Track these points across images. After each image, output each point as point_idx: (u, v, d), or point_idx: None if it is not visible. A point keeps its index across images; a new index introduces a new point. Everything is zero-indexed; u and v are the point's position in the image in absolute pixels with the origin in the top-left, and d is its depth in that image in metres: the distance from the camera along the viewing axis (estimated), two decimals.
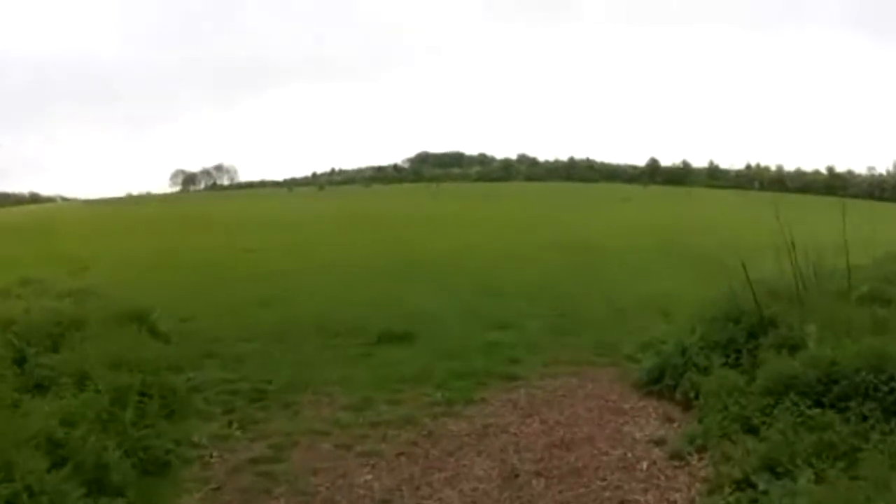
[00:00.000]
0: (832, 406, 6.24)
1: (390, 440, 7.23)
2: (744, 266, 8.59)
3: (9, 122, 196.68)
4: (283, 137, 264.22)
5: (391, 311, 13.14)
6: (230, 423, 7.69)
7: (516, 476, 6.38)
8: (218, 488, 6.25)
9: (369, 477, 6.46)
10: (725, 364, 7.95)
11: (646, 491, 6.03)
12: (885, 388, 6.13)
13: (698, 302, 12.54)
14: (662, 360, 8.71)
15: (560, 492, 6.08)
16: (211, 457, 6.88)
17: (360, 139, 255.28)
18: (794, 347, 7.44)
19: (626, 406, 8.13)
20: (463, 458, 6.81)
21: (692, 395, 7.81)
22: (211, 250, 25.18)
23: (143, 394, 7.31)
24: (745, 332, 8.29)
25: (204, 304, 14.19)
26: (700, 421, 7.16)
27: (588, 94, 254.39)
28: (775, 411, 6.47)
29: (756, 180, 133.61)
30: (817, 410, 6.21)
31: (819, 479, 5.34)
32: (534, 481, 6.28)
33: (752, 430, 6.50)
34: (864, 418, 5.98)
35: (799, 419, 6.16)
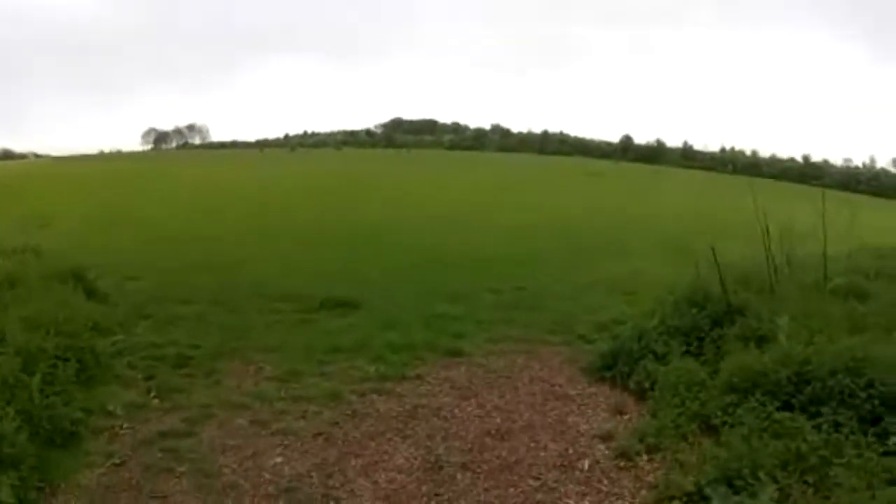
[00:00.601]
0: (803, 410, 5.50)
1: (310, 418, 6.51)
2: (713, 249, 7.81)
3: None
4: (257, 99, 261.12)
5: (340, 278, 12.44)
6: (149, 391, 7.09)
7: (440, 468, 5.64)
8: (121, 463, 5.65)
9: (279, 459, 5.76)
10: (687, 353, 7.26)
11: (583, 496, 5.29)
12: (863, 395, 5.38)
13: (664, 284, 12.11)
14: (618, 344, 8.01)
15: (486, 489, 5.35)
16: (121, 428, 6.27)
17: (334, 103, 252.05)
18: (762, 339, 6.75)
19: (573, 392, 7.39)
20: (385, 443, 6.08)
21: (647, 385, 7.08)
22: (170, 212, 24.37)
23: (59, 357, 6.68)
24: (709, 320, 7.56)
25: (152, 265, 13.55)
26: (653, 415, 6.43)
27: (564, 68, 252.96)
28: (738, 411, 5.74)
29: (730, 163, 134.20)
30: (786, 414, 5.47)
31: (783, 495, 4.65)
32: (459, 475, 5.54)
33: (710, 431, 5.84)
34: (838, 427, 5.23)
35: (765, 423, 5.43)
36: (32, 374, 6.06)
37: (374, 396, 7.00)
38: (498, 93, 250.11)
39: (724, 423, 5.75)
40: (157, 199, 29.13)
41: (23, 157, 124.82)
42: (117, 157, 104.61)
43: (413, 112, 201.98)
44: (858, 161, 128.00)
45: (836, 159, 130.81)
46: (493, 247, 17.08)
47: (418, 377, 7.56)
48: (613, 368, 7.72)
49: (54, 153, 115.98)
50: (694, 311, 7.77)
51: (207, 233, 19.01)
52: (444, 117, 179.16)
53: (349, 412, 6.66)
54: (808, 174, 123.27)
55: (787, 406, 5.59)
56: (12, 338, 6.58)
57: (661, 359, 7.34)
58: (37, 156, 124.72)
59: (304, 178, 44.75)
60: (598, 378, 7.71)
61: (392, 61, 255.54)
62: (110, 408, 6.57)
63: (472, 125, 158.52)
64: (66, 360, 6.71)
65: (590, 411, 6.91)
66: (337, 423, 6.42)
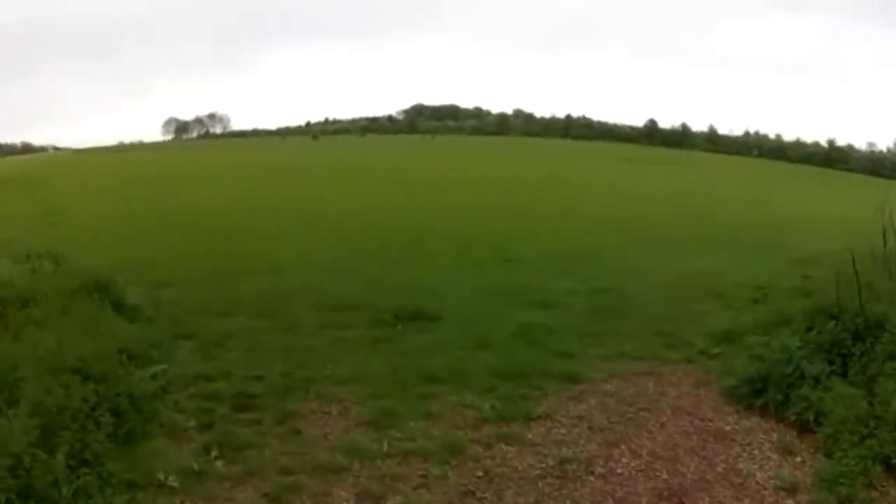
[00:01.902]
0: None
1: (434, 485, 5.05)
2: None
3: (0, 71, 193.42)
4: (278, 87, 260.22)
5: (400, 282, 11.22)
6: (208, 449, 5.44)
7: None
8: None
9: None
10: (832, 374, 6.32)
11: None
12: None
13: (753, 284, 11.04)
14: (765, 367, 6.78)
15: None
16: None
17: (355, 90, 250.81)
18: None
19: (728, 428, 6.20)
20: None
21: (810, 417, 5.96)
22: (196, 205, 23.14)
23: (88, 415, 5.09)
24: (849, 334, 6.64)
25: (183, 268, 12.41)
26: (828, 456, 5.39)
27: (586, 52, 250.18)
28: None
29: (755, 148, 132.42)
30: None
31: None
32: None
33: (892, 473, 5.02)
34: None
35: None
36: (54, 449, 4.57)
37: (503, 447, 5.64)
38: (519, 77, 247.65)
39: None
40: (180, 193, 27.70)
41: (42, 150, 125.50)
42: (139, 147, 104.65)
43: (435, 97, 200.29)
44: (882, 145, 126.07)
45: (861, 143, 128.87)
46: (557, 240, 15.86)
47: (547, 416, 6.24)
48: (764, 395, 6.54)
49: (74, 146, 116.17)
50: (832, 324, 6.79)
51: (238, 228, 17.82)
52: (466, 102, 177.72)
53: (480, 473, 5.25)
54: (835, 158, 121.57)
55: None
56: (27, 392, 5.08)
57: (815, 383, 6.23)
58: (56, 149, 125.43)
59: (331, 166, 43.59)
60: (747, 407, 6.54)
61: (412, 46, 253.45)
62: (161, 476, 4.99)
63: (494, 110, 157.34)
64: (98, 410, 5.23)
65: (756, 453, 5.72)
66: (472, 493, 5.00)
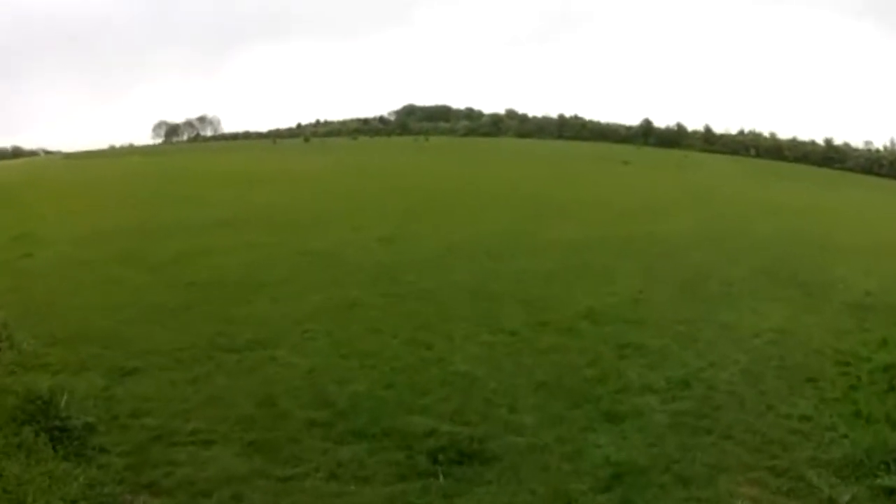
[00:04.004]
0: None
1: None
2: None
3: None
4: (269, 89, 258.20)
5: (434, 391, 8.50)
6: None
7: None
8: None
9: None
10: None
11: None
12: None
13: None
14: None
15: None
16: None
17: (346, 91, 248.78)
18: None
19: None
20: None
21: None
22: (179, 233, 20.27)
23: None
24: None
25: (158, 342, 10.11)
26: None
27: (577, 50, 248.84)
28: None
29: (752, 147, 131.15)
30: None
31: None
32: None
33: None
34: None
35: None
36: None
37: None
38: (511, 76, 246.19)
39: None
40: (164, 214, 24.79)
41: (33, 154, 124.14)
42: (129, 151, 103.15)
43: (426, 98, 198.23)
44: (879, 144, 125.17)
45: (857, 142, 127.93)
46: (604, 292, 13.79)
47: None
48: None
49: (64, 150, 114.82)
50: None
51: (223, 275, 14.83)
52: (458, 103, 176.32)
53: None
54: (832, 158, 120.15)
55: None
56: None
57: None
58: (47, 152, 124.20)
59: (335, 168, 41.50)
60: None
61: (403, 45, 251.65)
62: None
63: (486, 111, 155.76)
64: None
65: None
66: None
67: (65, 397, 6.89)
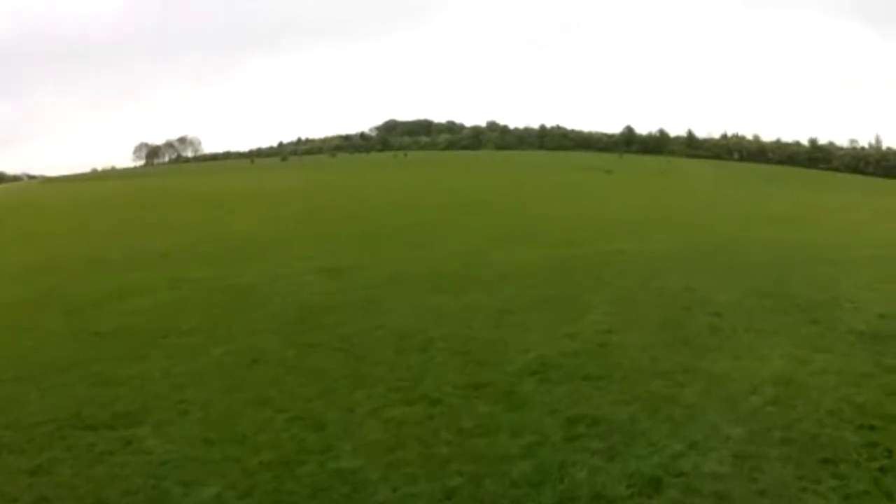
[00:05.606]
0: None
1: None
2: None
3: None
4: (249, 107, 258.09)
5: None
6: None
7: None
8: None
9: None
10: None
11: None
12: None
13: None
14: None
15: None
16: None
17: (328, 107, 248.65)
18: None
19: None
20: None
21: None
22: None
23: None
24: None
25: (23, 413, 8.04)
26: None
27: (556, 59, 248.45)
28: None
29: (735, 150, 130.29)
30: None
31: None
32: None
33: None
34: None
35: None
36: None
37: None
38: (493, 88, 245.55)
39: None
40: (146, 242, 23.23)
41: (16, 178, 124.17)
42: (111, 174, 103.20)
43: (407, 113, 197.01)
44: (864, 142, 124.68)
45: (842, 141, 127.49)
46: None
47: None
48: None
49: (47, 173, 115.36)
50: None
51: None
52: (439, 116, 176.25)
53: None
54: (818, 158, 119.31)
55: None
56: None
57: None
58: (30, 177, 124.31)
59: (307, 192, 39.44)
60: None
61: (385, 60, 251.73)
62: None
63: (468, 123, 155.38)
64: None
65: None
66: None
67: None
